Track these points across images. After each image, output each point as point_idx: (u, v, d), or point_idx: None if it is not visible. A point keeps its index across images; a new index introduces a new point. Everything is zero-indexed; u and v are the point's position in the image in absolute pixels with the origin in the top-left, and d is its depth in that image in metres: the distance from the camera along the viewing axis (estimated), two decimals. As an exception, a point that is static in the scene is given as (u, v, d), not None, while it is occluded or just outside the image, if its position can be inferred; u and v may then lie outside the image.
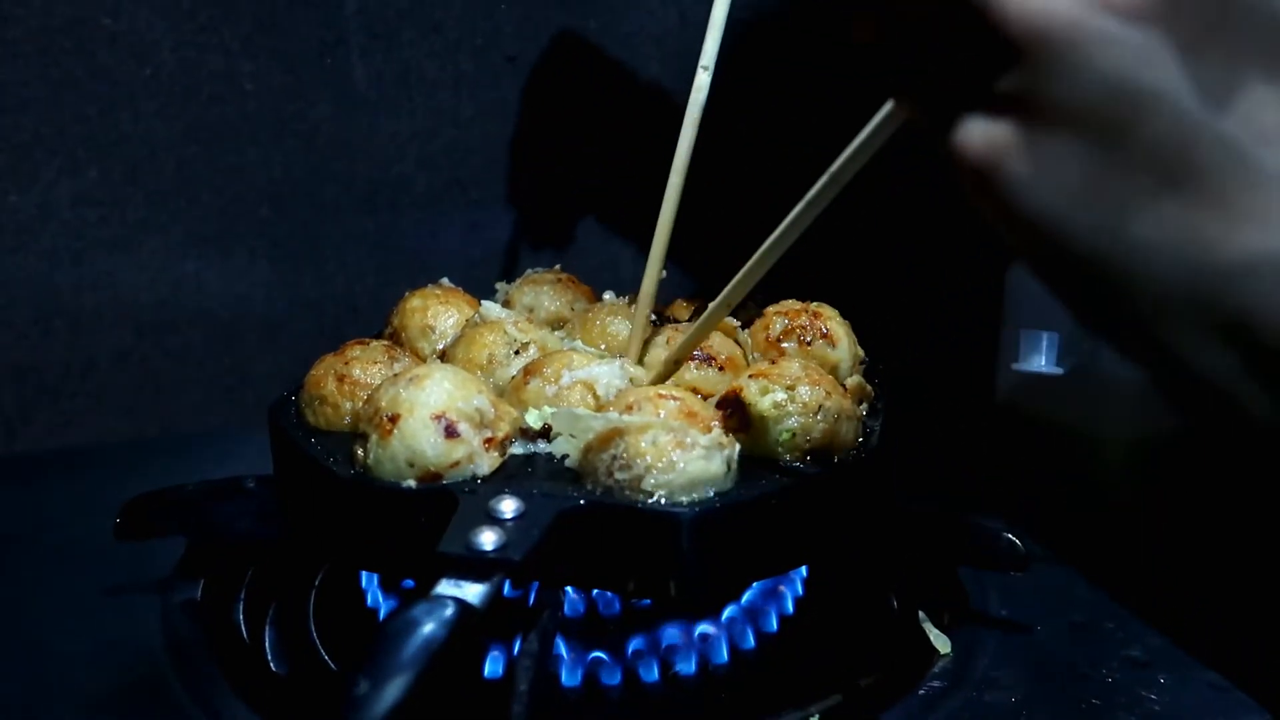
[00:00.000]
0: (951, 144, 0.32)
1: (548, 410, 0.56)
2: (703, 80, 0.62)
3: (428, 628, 0.42)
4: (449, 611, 0.43)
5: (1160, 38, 0.29)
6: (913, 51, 0.32)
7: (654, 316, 0.68)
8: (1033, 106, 0.30)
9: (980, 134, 0.31)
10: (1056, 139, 0.30)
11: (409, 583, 0.62)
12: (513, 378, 0.60)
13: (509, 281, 0.75)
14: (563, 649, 0.57)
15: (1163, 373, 0.32)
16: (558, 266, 0.76)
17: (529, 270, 0.76)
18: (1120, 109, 0.29)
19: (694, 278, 0.65)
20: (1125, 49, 0.29)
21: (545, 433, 0.55)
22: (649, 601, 0.59)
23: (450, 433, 0.52)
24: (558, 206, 1.04)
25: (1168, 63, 0.29)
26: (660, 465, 0.50)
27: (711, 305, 0.57)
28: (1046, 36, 0.29)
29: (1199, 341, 0.30)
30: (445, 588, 0.44)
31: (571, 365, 0.58)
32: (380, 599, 0.63)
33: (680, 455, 0.50)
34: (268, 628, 0.64)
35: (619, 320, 0.66)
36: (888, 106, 0.41)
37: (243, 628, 0.63)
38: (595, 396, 0.57)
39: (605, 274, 0.84)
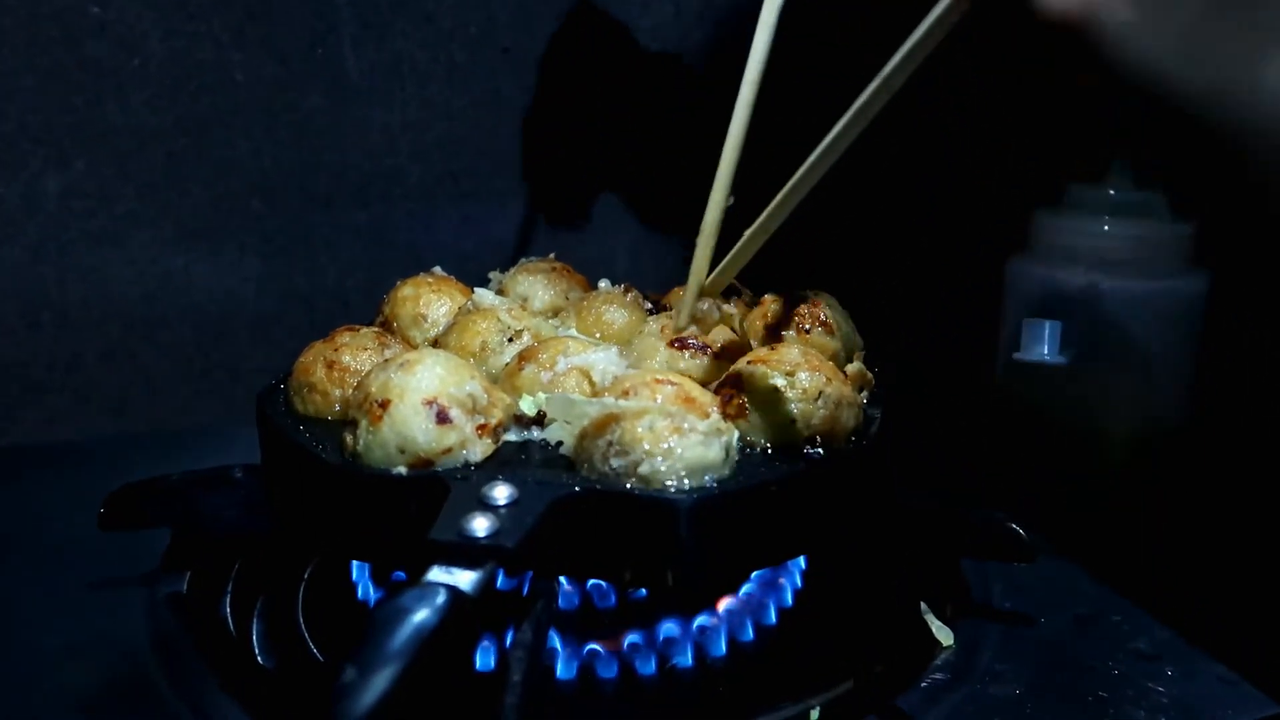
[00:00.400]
0: (1039, 7, 0.29)
1: (542, 396, 0.55)
2: None
3: (418, 615, 0.40)
4: (440, 599, 0.41)
5: None
6: None
7: (649, 305, 0.67)
8: None
9: None
10: None
11: (400, 575, 0.60)
12: (507, 364, 0.59)
13: (503, 271, 0.74)
14: (557, 642, 0.56)
15: None
16: (552, 255, 0.75)
17: (523, 259, 0.74)
18: None
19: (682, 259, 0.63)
20: None
21: (540, 419, 0.54)
22: (645, 592, 0.58)
23: (442, 418, 0.51)
24: (551, 199, 1.03)
25: None
26: (657, 451, 0.49)
27: (749, 231, 0.55)
28: None
29: None
30: (437, 575, 0.43)
31: (567, 351, 0.57)
32: (371, 592, 0.62)
33: (677, 441, 0.49)
34: (255, 621, 0.63)
35: (614, 309, 0.65)
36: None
37: (230, 621, 0.62)
38: (591, 383, 0.56)
39: (600, 264, 0.83)
